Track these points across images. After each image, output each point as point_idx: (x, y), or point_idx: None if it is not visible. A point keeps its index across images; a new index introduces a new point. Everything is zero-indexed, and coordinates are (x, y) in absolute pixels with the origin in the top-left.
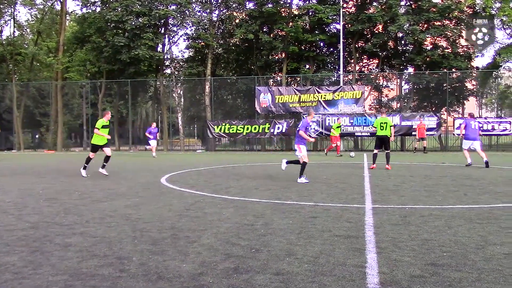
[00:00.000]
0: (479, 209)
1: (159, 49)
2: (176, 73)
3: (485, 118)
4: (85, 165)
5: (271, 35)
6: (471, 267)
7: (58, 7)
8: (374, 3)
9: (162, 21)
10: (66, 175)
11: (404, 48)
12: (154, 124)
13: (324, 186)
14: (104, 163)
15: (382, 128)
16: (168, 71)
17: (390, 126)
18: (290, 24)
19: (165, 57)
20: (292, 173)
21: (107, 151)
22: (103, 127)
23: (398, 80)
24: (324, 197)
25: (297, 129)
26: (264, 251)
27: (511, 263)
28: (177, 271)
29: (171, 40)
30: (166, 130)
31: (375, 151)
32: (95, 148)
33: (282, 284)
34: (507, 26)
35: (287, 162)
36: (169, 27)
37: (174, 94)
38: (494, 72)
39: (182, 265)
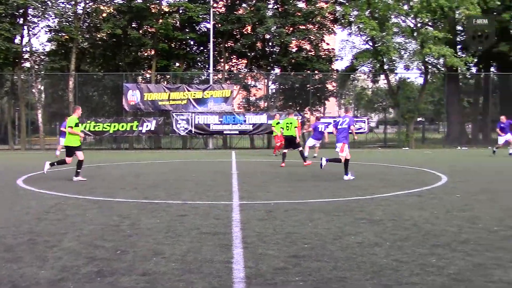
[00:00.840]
0: (337, 202)
1: (17, 40)
2: (36, 67)
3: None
4: (50, 166)
5: (140, 31)
6: (329, 257)
7: None
8: (244, 5)
9: (21, 11)
10: None
11: (271, 49)
12: None
13: (192, 184)
14: (78, 170)
15: (288, 128)
16: (28, 64)
17: (295, 126)
18: (160, 21)
19: (24, 49)
20: (159, 172)
21: (80, 154)
22: (77, 125)
23: (266, 80)
24: (192, 195)
25: (343, 127)
26: (130, 252)
27: (363, 250)
28: (34, 278)
29: (31, 32)
30: (24, 128)
31: (285, 150)
32: (71, 151)
33: (148, 284)
34: (363, 33)
35: (327, 160)
36: (28, 18)
37: (33, 90)
38: (351, 75)
39: (40, 271)
